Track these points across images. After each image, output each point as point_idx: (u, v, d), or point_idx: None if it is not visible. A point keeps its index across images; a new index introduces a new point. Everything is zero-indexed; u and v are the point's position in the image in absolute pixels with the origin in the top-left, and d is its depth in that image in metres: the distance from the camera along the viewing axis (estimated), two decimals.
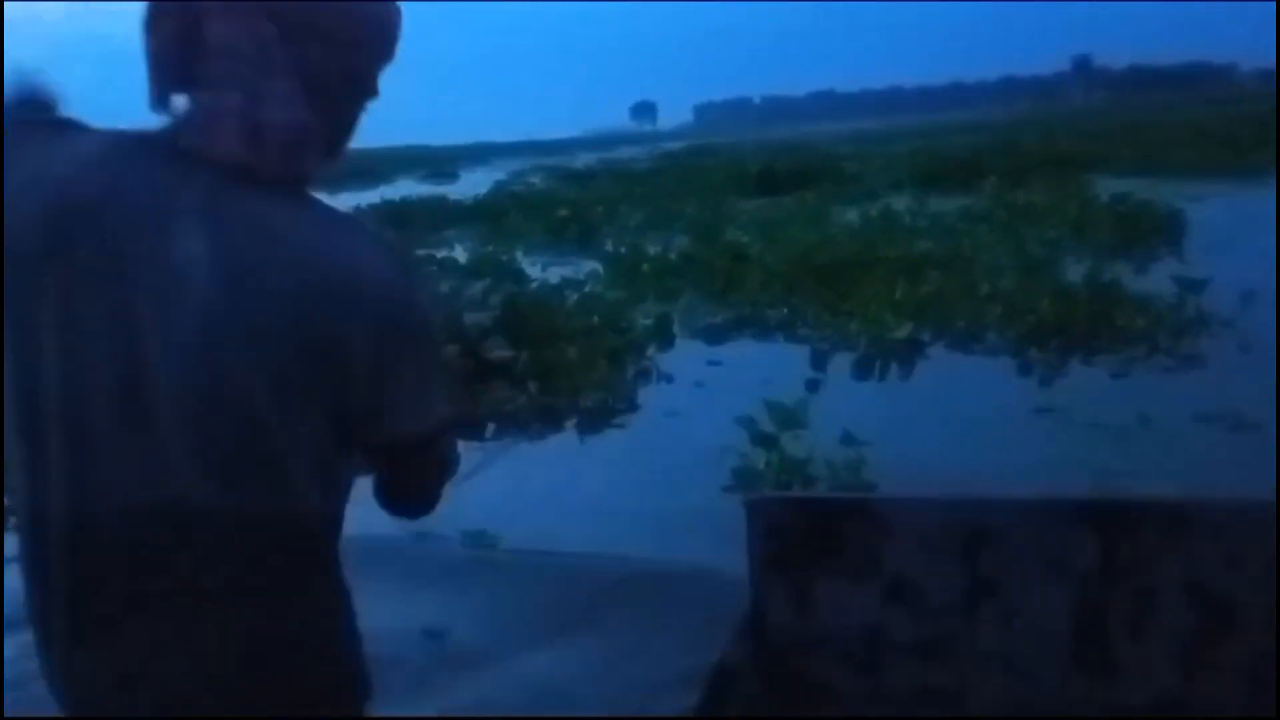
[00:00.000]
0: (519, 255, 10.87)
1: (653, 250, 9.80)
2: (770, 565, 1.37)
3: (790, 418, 3.89)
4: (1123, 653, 1.29)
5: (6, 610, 1.62)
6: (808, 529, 1.38)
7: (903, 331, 6.07)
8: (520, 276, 8.49)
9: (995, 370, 5.70)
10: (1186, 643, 1.28)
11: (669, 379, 5.92)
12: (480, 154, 58.21)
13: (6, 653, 1.85)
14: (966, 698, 1.32)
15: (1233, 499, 1.35)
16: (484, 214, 16.15)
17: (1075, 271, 7.68)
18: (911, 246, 8.73)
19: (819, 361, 6.02)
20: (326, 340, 0.81)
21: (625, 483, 4.18)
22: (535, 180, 26.64)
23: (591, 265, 9.58)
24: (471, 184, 25.67)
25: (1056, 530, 1.31)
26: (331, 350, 0.81)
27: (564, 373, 5.33)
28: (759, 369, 5.97)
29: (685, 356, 6.37)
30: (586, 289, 8.02)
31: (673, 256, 9.35)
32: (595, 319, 6.48)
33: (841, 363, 6.00)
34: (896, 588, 1.35)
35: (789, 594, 1.38)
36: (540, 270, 9.50)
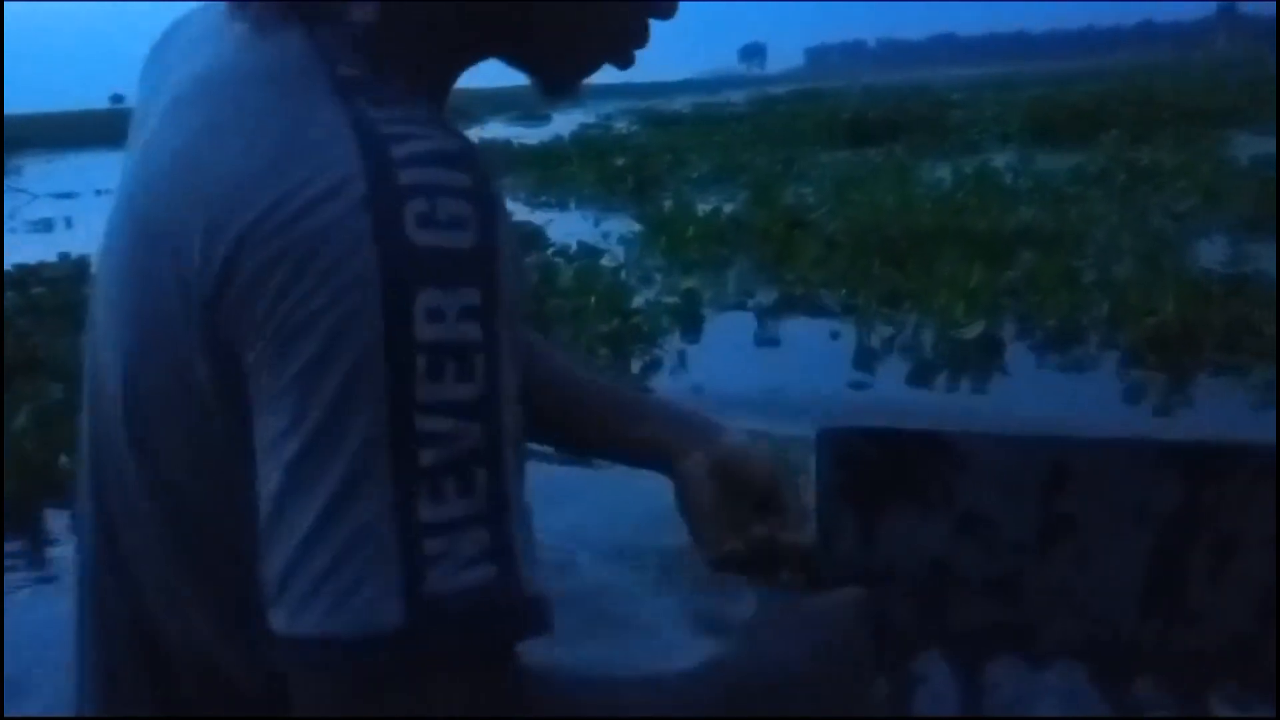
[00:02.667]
0: (558, 209, 9.86)
1: (704, 209, 8.65)
2: (837, 496, 1.30)
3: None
4: (1198, 599, 1.28)
5: None
6: (878, 460, 1.35)
7: (974, 330, 4.84)
8: (536, 239, 7.38)
9: (1096, 387, 4.48)
10: (1264, 592, 1.26)
11: (682, 372, 4.88)
12: (581, 96, 57.84)
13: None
14: (1035, 636, 1.32)
15: None
16: (547, 160, 15.07)
17: (1208, 254, 6.36)
18: (1005, 216, 7.42)
19: (864, 360, 4.89)
20: None
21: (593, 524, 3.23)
22: (620, 124, 25.54)
23: (636, 225, 8.50)
24: (562, 125, 24.75)
25: (1139, 472, 1.29)
26: None
27: None
28: (795, 368, 4.89)
29: (712, 347, 5.32)
30: (603, 259, 6.90)
31: (724, 218, 8.20)
32: (592, 299, 5.38)
33: (897, 365, 4.87)
34: (968, 523, 1.32)
35: (856, 526, 1.32)
36: (580, 228, 8.49)
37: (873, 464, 1.38)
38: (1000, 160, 11.14)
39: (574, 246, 7.32)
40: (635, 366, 4.92)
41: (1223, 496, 1.28)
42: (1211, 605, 1.30)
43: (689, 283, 6.28)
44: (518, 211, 8.75)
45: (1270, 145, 10.35)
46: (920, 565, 1.37)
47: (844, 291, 5.92)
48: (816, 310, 5.86)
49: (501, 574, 0.62)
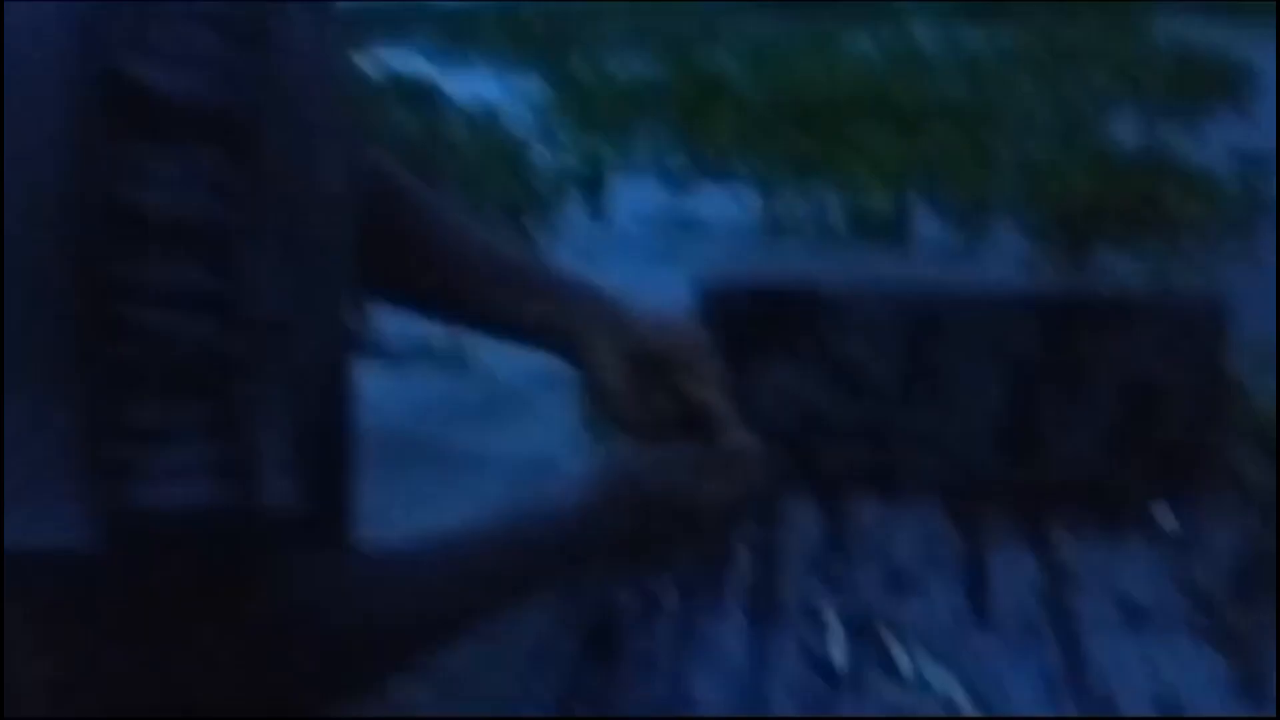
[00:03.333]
0: (463, 67, 9.60)
1: (618, 72, 8.52)
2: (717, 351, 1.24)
3: None
4: (1050, 435, 1.40)
5: None
6: (756, 316, 1.44)
7: (881, 200, 4.90)
8: (432, 99, 7.18)
9: (1000, 262, 4.60)
10: (1114, 429, 1.40)
11: (585, 240, 4.86)
12: None
13: None
14: (896, 477, 1.44)
15: (1178, 293, 1.42)
16: (455, 21, 14.62)
17: (1123, 133, 6.49)
18: (925, 89, 7.45)
19: (770, 230, 4.92)
20: None
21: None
22: None
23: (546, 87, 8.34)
24: None
25: (1001, 319, 1.40)
26: None
27: None
28: (702, 238, 4.92)
29: (619, 215, 5.30)
30: (506, 122, 6.76)
31: (638, 82, 8.09)
32: (487, 164, 5.27)
33: (805, 236, 4.92)
34: (838, 373, 1.44)
35: (734, 381, 1.27)
36: (487, 88, 8.29)
37: (751, 319, 1.46)
38: (923, 32, 11.12)
39: (474, 108, 7.13)
40: (533, 237, 4.89)
41: (1078, 339, 1.38)
42: (1061, 442, 1.41)
43: (597, 148, 6.22)
44: (419, 67, 8.51)
45: (1189, 27, 10.54)
46: (793, 415, 1.47)
47: (757, 161, 5.93)
48: (728, 180, 5.87)
49: (229, 490, 0.54)
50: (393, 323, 3.51)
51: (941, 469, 1.45)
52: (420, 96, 6.98)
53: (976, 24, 11.99)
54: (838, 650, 1.13)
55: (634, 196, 5.63)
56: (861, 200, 5.02)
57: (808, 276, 1.45)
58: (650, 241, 4.89)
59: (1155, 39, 10.23)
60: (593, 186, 5.61)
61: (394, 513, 1.80)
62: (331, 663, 0.61)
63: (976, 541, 1.32)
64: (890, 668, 1.11)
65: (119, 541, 0.51)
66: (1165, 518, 1.32)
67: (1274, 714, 0.94)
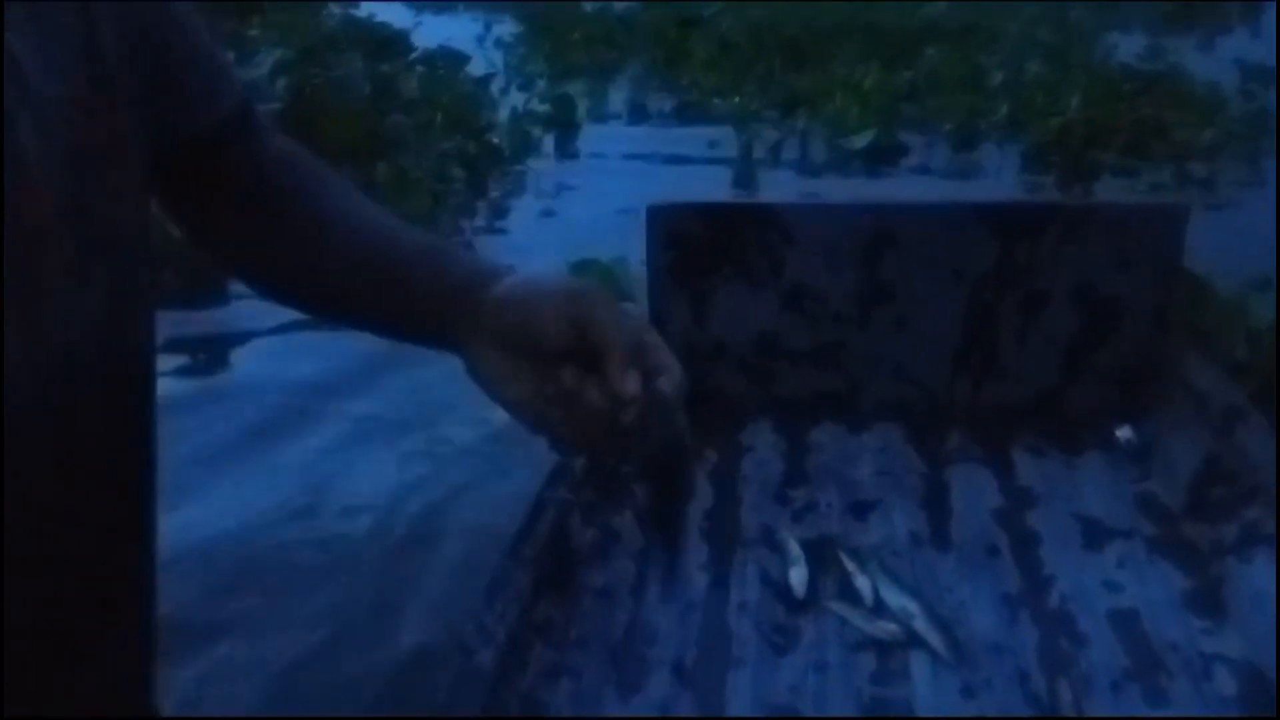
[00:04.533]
0: (435, 12, 9.53)
1: (591, 8, 8.48)
2: (669, 273, 1.48)
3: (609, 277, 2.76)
4: (1006, 356, 1.44)
5: None
6: (708, 236, 1.46)
7: (863, 139, 4.89)
8: (395, 44, 7.05)
9: (993, 191, 4.60)
10: (1070, 345, 1.43)
11: (552, 191, 4.75)
12: None
13: None
14: (856, 401, 1.47)
15: (1134, 204, 1.70)
16: None
17: (1125, 50, 6.47)
18: (913, 10, 7.43)
19: (743, 179, 4.84)
20: None
21: None
22: None
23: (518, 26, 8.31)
24: None
25: (955, 234, 1.43)
26: None
27: (383, 194, 4.12)
28: (675, 182, 4.90)
29: (589, 162, 5.27)
30: (470, 66, 6.63)
31: (612, 18, 8.06)
32: (439, 114, 4.99)
33: (785, 176, 4.90)
34: (794, 295, 1.46)
35: (687, 303, 1.49)
36: (462, 29, 8.21)
37: (702, 240, 1.52)
38: None
39: (443, 54, 6.98)
40: (493, 190, 4.70)
41: (1033, 253, 1.43)
42: (1018, 361, 1.46)
43: (568, 89, 6.17)
44: (391, 13, 8.39)
45: None
46: (749, 339, 1.53)
47: (737, 98, 5.91)
48: (708, 118, 5.84)
49: None
50: None
51: (900, 391, 1.49)
52: (385, 45, 6.90)
53: None
54: (797, 576, 1.17)
55: (610, 136, 5.61)
56: (842, 137, 5.01)
57: (758, 197, 1.48)
58: (624, 182, 4.84)
59: None
60: (565, 128, 5.59)
61: None
62: None
63: (936, 464, 1.38)
64: (850, 592, 1.15)
65: None
66: (1123, 435, 1.37)
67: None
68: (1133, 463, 1.33)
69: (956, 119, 5.23)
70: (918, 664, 1.07)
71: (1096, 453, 1.36)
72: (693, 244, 1.46)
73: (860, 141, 4.88)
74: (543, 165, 5.08)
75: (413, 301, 0.69)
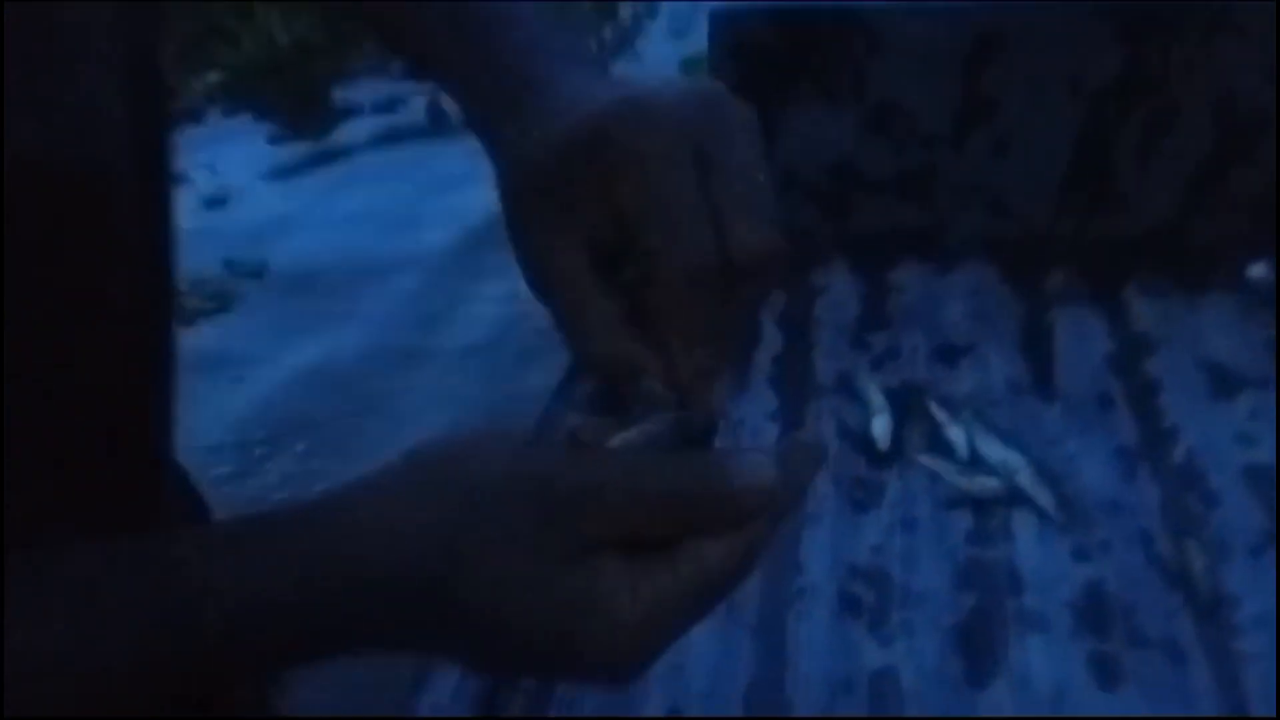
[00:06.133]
0: None
1: None
2: (734, 91, 1.00)
3: None
4: (1126, 180, 1.30)
5: None
6: (781, 46, 1.32)
7: None
8: None
9: None
10: (1199, 168, 1.29)
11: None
12: None
13: None
14: (944, 235, 1.35)
15: None
16: None
17: None
18: None
19: None
20: None
21: None
22: None
23: None
24: None
25: (1073, 38, 1.27)
26: None
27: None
28: None
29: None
30: None
31: None
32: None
33: None
34: (879, 114, 1.32)
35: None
36: None
37: (774, 51, 1.37)
38: None
39: None
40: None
41: (1166, 60, 1.28)
42: (1137, 188, 1.33)
43: None
44: None
45: None
46: (824, 167, 1.39)
47: None
48: None
49: None
50: None
51: (996, 225, 1.37)
52: None
53: None
54: (880, 426, 1.09)
55: None
56: None
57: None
58: None
59: None
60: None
61: None
62: None
63: (1037, 305, 1.27)
64: (941, 445, 1.07)
65: None
66: (1256, 272, 1.26)
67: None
68: (1265, 304, 1.22)
69: None
70: (1021, 523, 0.99)
71: (1223, 292, 1.25)
72: (763, 56, 1.34)
73: None
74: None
75: (474, 85, 0.51)
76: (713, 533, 0.42)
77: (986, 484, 1.02)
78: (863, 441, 1.08)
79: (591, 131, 0.44)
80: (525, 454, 0.43)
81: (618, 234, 0.45)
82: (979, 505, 1.01)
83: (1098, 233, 1.35)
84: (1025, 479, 1.01)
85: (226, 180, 3.97)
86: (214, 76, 4.68)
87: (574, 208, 0.45)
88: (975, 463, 1.04)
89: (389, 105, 4.36)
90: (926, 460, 1.05)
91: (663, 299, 0.44)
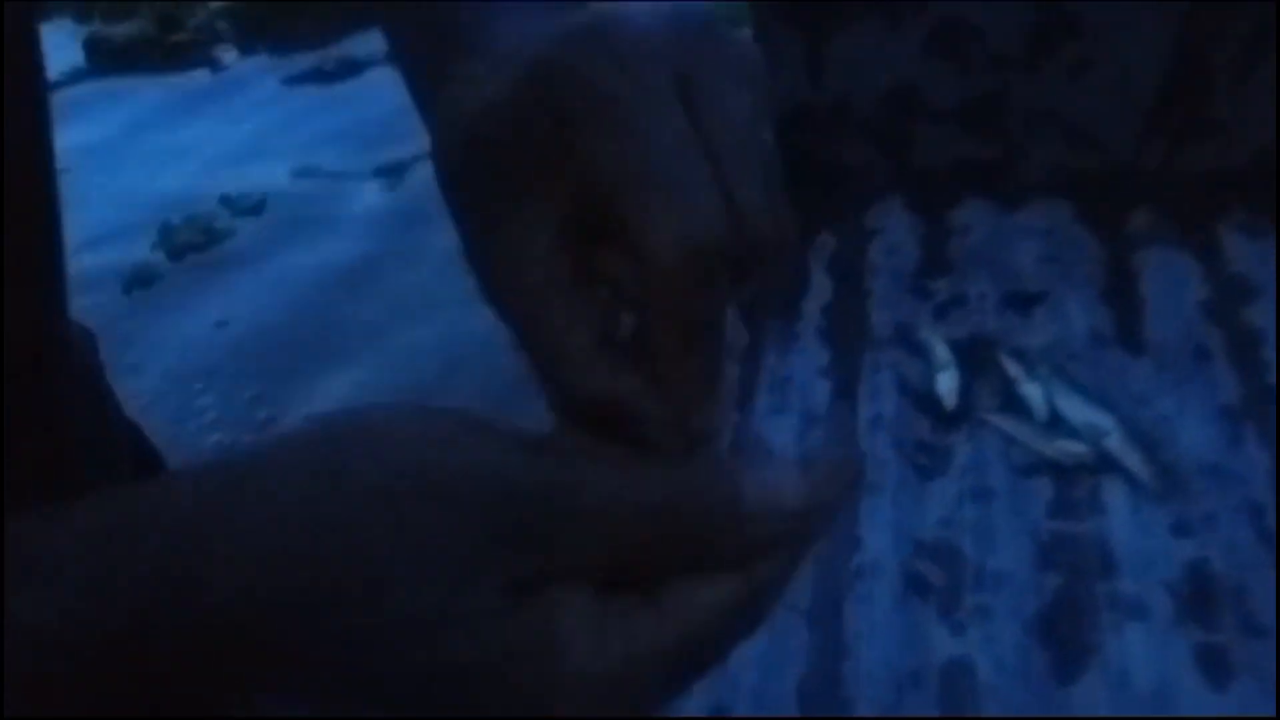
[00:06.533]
0: None
1: None
2: (776, 11, 1.27)
3: None
4: (1220, 107, 1.19)
5: None
6: None
7: None
8: None
9: None
10: None
11: None
12: None
13: None
14: (1013, 170, 1.26)
15: None
16: None
17: None
18: None
19: None
20: None
21: None
22: None
23: None
24: None
25: None
26: None
27: None
28: None
29: None
30: None
31: None
32: None
33: None
34: (942, 34, 1.23)
35: (801, 49, 1.27)
36: None
37: None
38: None
39: None
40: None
41: None
42: (1235, 114, 1.22)
43: None
44: None
45: None
46: (879, 95, 1.31)
47: None
48: None
49: None
50: None
51: (1072, 157, 1.27)
52: None
53: None
54: (946, 383, 0.99)
55: None
56: None
57: None
58: None
59: None
60: None
61: None
62: None
63: (1120, 247, 1.17)
64: (1016, 404, 0.97)
65: None
66: None
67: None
68: None
69: None
70: (1111, 493, 0.90)
71: None
72: None
73: None
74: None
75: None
76: (711, 568, 0.32)
77: (1069, 448, 0.93)
78: (926, 400, 0.99)
79: (544, 69, 0.33)
80: (477, 439, 0.31)
81: (587, 206, 0.33)
82: (1061, 472, 0.92)
83: (1189, 165, 1.24)
84: (1114, 442, 0.92)
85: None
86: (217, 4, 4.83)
87: (529, 178, 0.34)
88: (1055, 424, 0.95)
89: None
90: (999, 421, 0.96)
91: (650, 290, 0.32)
